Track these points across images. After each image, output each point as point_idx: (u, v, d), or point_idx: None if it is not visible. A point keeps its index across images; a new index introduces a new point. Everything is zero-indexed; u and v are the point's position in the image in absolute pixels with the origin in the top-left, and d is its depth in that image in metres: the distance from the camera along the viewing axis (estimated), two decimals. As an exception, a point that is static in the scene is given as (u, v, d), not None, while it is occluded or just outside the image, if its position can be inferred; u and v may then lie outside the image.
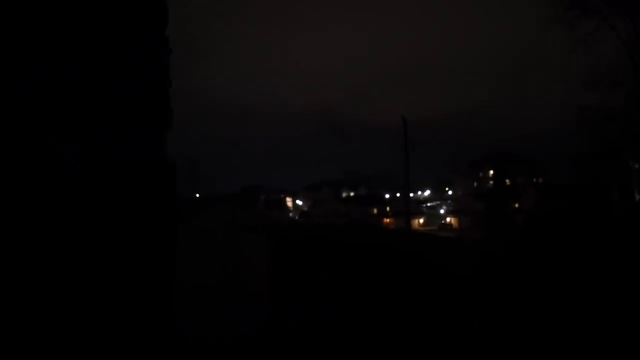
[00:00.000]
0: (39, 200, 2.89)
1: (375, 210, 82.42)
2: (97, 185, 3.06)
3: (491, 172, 75.21)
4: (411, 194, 65.43)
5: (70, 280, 2.97)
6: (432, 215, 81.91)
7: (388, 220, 74.18)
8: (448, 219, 76.55)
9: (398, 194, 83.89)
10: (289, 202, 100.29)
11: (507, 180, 69.48)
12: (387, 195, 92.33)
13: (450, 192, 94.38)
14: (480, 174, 77.99)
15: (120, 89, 3.29)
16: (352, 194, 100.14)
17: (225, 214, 10.90)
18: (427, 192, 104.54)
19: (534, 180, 68.12)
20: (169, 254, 3.62)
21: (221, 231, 8.22)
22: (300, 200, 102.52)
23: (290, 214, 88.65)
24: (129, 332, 3.23)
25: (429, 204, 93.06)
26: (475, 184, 77.50)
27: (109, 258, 3.08)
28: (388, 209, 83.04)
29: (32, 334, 2.89)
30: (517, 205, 51.44)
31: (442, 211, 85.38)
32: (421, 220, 78.29)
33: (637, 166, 28.76)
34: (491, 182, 73.13)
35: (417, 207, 79.50)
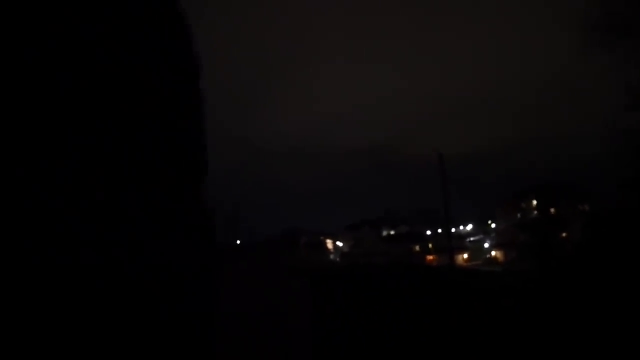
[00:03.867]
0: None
1: (417, 248, 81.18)
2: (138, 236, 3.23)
3: (534, 202, 73.44)
4: (453, 229, 64.27)
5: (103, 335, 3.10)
6: (476, 250, 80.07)
7: (431, 257, 72.83)
8: (493, 253, 74.63)
9: (440, 230, 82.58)
10: (329, 243, 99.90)
11: (552, 210, 67.58)
12: (428, 232, 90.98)
13: (493, 225, 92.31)
14: (523, 205, 76.20)
15: (158, 135, 3.51)
16: (392, 232, 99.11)
17: (265, 258, 11.03)
18: (470, 227, 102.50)
19: (580, 208, 66.06)
20: (209, 297, 3.74)
21: (262, 275, 8.33)
22: (340, 241, 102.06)
23: (331, 256, 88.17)
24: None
25: (472, 239, 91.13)
26: (518, 215, 75.66)
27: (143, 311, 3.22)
28: (430, 245, 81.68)
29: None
30: (564, 234, 49.85)
31: (486, 245, 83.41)
32: (465, 256, 76.57)
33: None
34: (535, 212, 71.25)
35: (460, 242, 77.93)
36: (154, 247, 3.48)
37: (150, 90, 3.61)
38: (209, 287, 4.10)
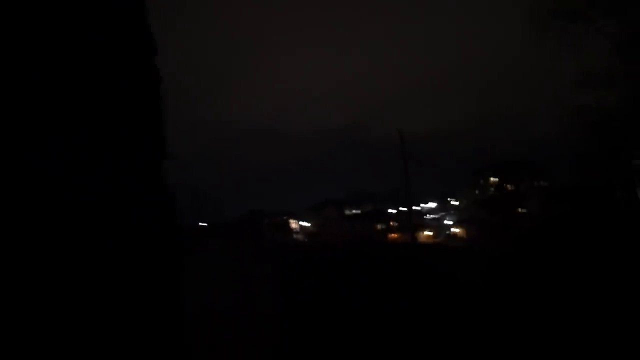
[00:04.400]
0: (36, 232, 2.94)
1: (380, 226, 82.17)
2: (92, 214, 3.11)
3: (492, 179, 75.22)
4: (415, 207, 65.22)
5: (70, 319, 2.99)
6: (438, 228, 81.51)
7: (394, 235, 73.86)
8: (454, 230, 76.21)
9: (403, 209, 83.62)
10: (293, 223, 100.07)
11: (509, 186, 69.39)
12: (392, 211, 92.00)
13: (455, 203, 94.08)
14: (482, 182, 77.95)
15: (111, 117, 3.36)
16: (356, 211, 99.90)
17: (230, 240, 10.93)
18: (432, 205, 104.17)
19: (537, 184, 68.00)
20: (174, 281, 3.65)
21: (229, 256, 8.25)
22: (304, 221, 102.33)
23: (295, 235, 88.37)
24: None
25: (434, 216, 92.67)
26: (477, 192, 77.42)
27: (108, 290, 3.12)
28: (392, 223, 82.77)
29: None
30: (521, 210, 51.31)
31: (447, 222, 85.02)
32: (428, 233, 77.93)
33: (638, 163, 28.75)
34: (493, 189, 73.05)
35: (421, 219, 79.16)
36: (113, 229, 3.37)
37: (105, 69, 3.46)
38: (173, 271, 4.01)
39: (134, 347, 3.32)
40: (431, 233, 78.12)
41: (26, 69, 2.84)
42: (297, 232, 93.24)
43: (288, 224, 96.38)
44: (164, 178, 3.84)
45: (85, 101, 3.15)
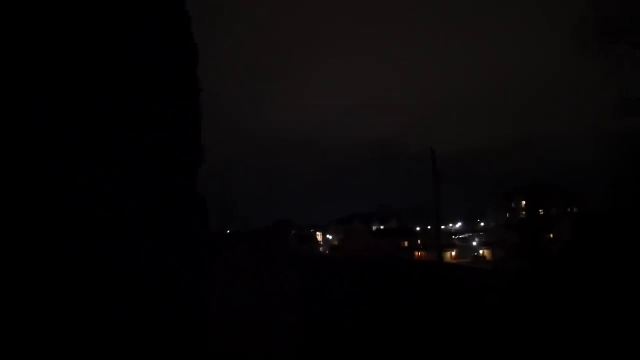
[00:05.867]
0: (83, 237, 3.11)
1: (406, 243, 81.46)
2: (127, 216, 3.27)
3: (523, 202, 73.91)
4: (442, 226, 64.53)
5: (108, 315, 3.14)
6: (464, 248, 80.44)
7: (419, 253, 73.16)
8: (481, 251, 75.07)
9: (430, 227, 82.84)
10: (319, 236, 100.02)
11: (541, 211, 68.02)
12: (418, 228, 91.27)
13: (482, 224, 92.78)
14: (512, 205, 76.66)
15: (153, 127, 3.52)
16: (382, 227, 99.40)
17: (255, 249, 11.06)
18: (459, 225, 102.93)
19: (569, 209, 66.56)
20: (202, 279, 3.79)
21: (253, 264, 8.37)
22: (330, 234, 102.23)
23: (321, 248, 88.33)
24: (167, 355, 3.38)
25: (460, 236, 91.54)
26: (507, 215, 76.11)
27: (144, 285, 3.27)
28: (419, 241, 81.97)
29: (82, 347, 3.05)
30: (551, 235, 50.22)
31: (474, 243, 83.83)
32: (453, 253, 76.97)
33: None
34: (523, 213, 71.68)
35: (448, 239, 78.27)
36: (148, 239, 3.52)
37: (148, 82, 3.63)
38: (201, 278, 4.14)
39: (168, 326, 3.45)
40: (457, 253, 77.09)
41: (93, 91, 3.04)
42: (321, 245, 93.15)
43: (314, 236, 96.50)
44: (197, 187, 3.99)
45: (134, 111, 3.32)
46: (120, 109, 3.29)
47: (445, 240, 65.43)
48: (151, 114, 3.47)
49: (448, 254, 72.14)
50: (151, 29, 3.56)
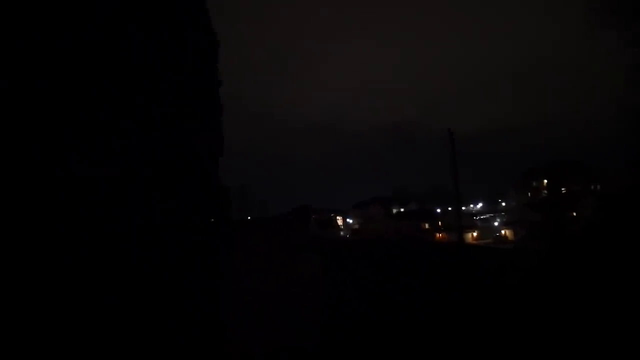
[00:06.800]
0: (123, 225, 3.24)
1: (426, 225, 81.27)
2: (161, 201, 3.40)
3: (545, 181, 72.98)
4: (463, 207, 64.18)
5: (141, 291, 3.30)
6: (485, 228, 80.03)
7: (440, 234, 72.97)
8: (502, 231, 74.60)
9: (450, 208, 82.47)
10: (339, 220, 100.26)
11: (563, 189, 67.10)
12: (438, 210, 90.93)
13: (503, 204, 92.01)
14: (534, 184, 75.76)
15: (177, 118, 3.62)
16: (402, 209, 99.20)
17: (276, 234, 11.20)
18: (480, 205, 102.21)
19: (592, 187, 65.52)
20: (226, 268, 3.91)
21: (274, 251, 8.49)
22: (350, 218, 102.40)
23: (342, 232, 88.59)
24: (188, 337, 3.53)
25: (481, 217, 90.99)
26: (529, 194, 75.26)
27: (174, 270, 3.41)
28: (439, 223, 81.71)
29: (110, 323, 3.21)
30: (574, 213, 49.60)
31: (496, 223, 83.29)
32: (475, 234, 76.61)
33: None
34: (545, 192, 70.83)
35: (469, 220, 77.86)
36: (174, 232, 3.65)
37: (169, 77, 3.72)
38: (224, 264, 4.27)
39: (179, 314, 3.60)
40: (478, 234, 76.73)
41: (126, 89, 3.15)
42: (342, 229, 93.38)
43: (334, 220, 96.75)
44: (218, 176, 4.10)
45: (160, 103, 3.42)
46: (143, 104, 3.39)
47: (466, 222, 65.10)
48: (172, 107, 3.57)
49: (469, 234, 71.84)
50: (171, 23, 3.65)
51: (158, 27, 3.56)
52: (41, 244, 2.94)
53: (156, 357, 3.39)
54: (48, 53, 2.96)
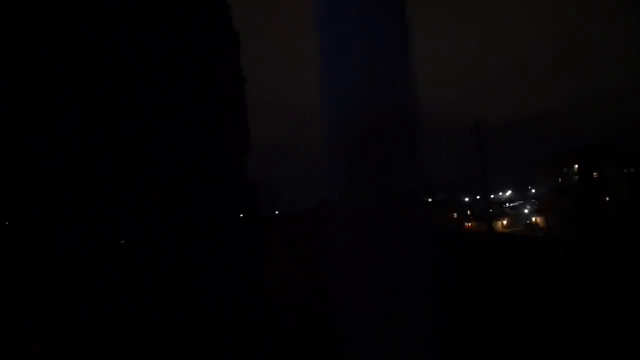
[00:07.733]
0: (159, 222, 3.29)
1: (455, 215, 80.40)
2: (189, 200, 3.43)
3: (576, 166, 71.44)
4: (492, 196, 63.31)
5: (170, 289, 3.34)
6: (516, 216, 78.75)
7: (469, 224, 72.17)
8: (534, 218, 73.38)
9: (478, 197, 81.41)
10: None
11: (595, 173, 65.62)
12: (467, 199, 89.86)
13: (533, 191, 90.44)
14: (565, 169, 74.24)
15: (204, 116, 3.65)
16: (430, 200, 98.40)
17: (305, 228, 11.22)
18: (509, 193, 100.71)
19: (625, 170, 63.88)
20: (255, 261, 3.94)
21: (302, 246, 8.51)
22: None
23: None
24: (221, 331, 3.56)
25: (511, 205, 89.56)
26: (559, 179, 73.82)
27: (204, 264, 3.45)
28: (469, 212, 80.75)
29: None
30: (607, 198, 48.56)
31: (526, 211, 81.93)
32: (504, 222, 75.53)
33: None
34: (576, 177, 69.38)
35: (499, 208, 76.72)
36: (210, 233, 3.69)
37: (198, 78, 3.75)
38: (256, 263, 4.30)
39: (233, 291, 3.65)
40: (508, 222, 75.67)
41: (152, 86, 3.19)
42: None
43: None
44: (246, 172, 4.13)
45: (189, 101, 3.46)
46: (173, 108, 3.44)
47: (495, 210, 64.20)
48: (200, 109, 3.62)
49: (499, 223, 70.93)
50: (196, 25, 3.68)
51: (185, 28, 3.60)
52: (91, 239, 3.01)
53: (201, 340, 3.46)
54: (100, 51, 3.03)
